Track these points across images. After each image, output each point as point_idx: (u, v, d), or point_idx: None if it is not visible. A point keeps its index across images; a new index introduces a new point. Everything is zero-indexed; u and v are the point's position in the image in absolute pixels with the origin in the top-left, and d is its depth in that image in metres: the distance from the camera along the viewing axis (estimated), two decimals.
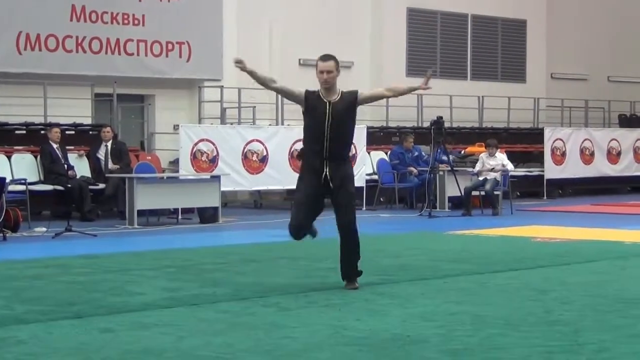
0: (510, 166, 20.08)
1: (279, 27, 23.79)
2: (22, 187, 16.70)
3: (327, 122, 8.82)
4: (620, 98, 30.93)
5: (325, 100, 8.89)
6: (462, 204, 19.73)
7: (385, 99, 24.53)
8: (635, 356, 6.18)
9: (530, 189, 24.81)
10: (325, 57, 8.99)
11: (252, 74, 9.04)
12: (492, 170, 19.51)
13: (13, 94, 19.34)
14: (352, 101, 9.02)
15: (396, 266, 10.97)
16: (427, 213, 18.93)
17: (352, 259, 9.07)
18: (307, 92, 9.01)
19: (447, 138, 21.25)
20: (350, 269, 9.08)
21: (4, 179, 15.49)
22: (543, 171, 24.71)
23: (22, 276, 10.22)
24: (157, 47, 21.83)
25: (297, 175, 9.30)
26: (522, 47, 29.18)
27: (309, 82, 26.51)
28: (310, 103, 8.94)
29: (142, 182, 17.26)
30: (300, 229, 9.08)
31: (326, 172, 8.86)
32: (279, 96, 22.45)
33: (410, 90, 9.89)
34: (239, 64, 8.92)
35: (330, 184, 8.88)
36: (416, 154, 21.52)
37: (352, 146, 20.48)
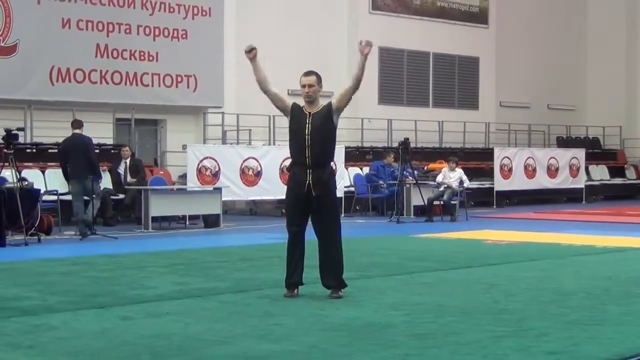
0: (467, 182, 20.14)
1: (270, 62, 23.66)
2: (54, 197, 16.64)
3: (307, 131, 8.17)
4: (558, 123, 31.06)
5: (306, 112, 8.28)
6: (425, 212, 19.76)
7: (362, 123, 24.67)
8: (571, 340, 6.19)
9: (482, 199, 24.83)
10: (308, 72, 8.38)
11: (256, 66, 8.41)
12: (449, 186, 19.57)
13: (47, 119, 19.28)
14: (328, 110, 8.31)
15: (370, 263, 10.96)
16: (396, 219, 18.94)
17: (335, 269, 8.26)
18: (293, 104, 8.39)
19: (413, 156, 21.27)
20: (333, 280, 8.25)
21: (39, 190, 15.47)
22: (493, 184, 24.77)
23: (54, 272, 10.20)
24: (169, 79, 21.80)
25: (286, 187, 8.77)
26: (475, 80, 29.23)
27: None
28: (294, 114, 8.31)
29: (156, 193, 17.24)
30: (294, 225, 8.24)
31: (309, 180, 8.14)
32: (272, 120, 22.54)
33: (363, 66, 8.59)
34: (249, 53, 8.35)
35: (312, 192, 8.14)
36: (392, 169, 21.53)
37: (333, 162, 20.84)
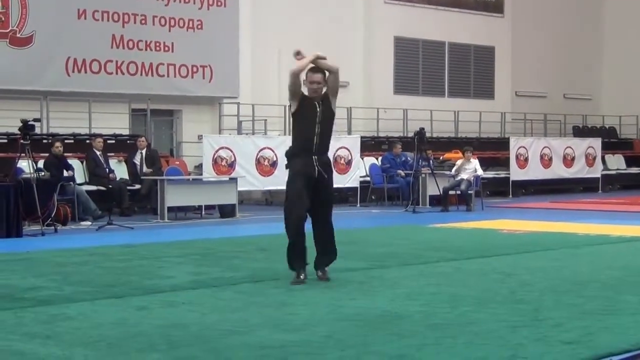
0: (480, 171, 20.08)
1: (286, 53, 23.73)
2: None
3: (318, 119, 8.39)
4: (574, 112, 30.95)
5: (314, 101, 8.45)
6: (441, 202, 19.73)
7: (377, 115, 24.63)
8: (586, 329, 6.17)
9: (498, 189, 24.79)
10: (315, 70, 8.55)
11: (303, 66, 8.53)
12: (464, 175, 19.53)
13: (63, 109, 19.35)
14: (329, 100, 8.54)
15: (385, 253, 10.95)
16: (412, 209, 18.92)
17: (333, 251, 8.69)
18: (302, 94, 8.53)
19: (428, 146, 21.23)
20: (327, 261, 8.69)
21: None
22: (509, 174, 24.72)
23: (70, 262, 10.22)
24: (184, 70, 21.83)
25: (291, 173, 8.72)
26: (491, 69, 29.16)
27: None
28: (303, 102, 8.48)
29: (172, 183, 17.27)
30: (301, 219, 8.49)
31: (317, 166, 8.41)
32: (287, 110, 22.52)
33: (323, 64, 8.67)
34: (297, 55, 8.60)
35: (323, 175, 8.42)
36: (403, 159, 21.52)
37: (349, 152, 20.86)
